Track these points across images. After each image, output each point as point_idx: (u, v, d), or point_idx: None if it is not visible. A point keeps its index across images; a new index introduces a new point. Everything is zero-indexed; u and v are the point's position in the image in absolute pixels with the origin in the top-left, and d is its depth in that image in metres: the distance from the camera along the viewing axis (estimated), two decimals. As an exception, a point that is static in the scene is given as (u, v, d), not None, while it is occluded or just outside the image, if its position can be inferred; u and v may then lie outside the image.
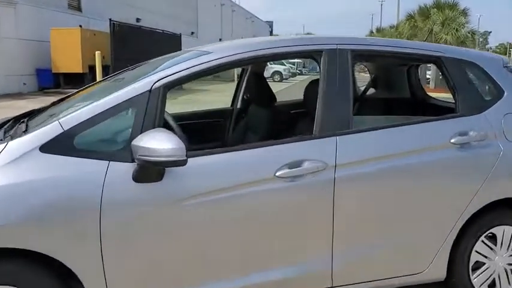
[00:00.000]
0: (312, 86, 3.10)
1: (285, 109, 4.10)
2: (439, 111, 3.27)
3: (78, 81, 17.05)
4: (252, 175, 2.47)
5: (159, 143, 2.17)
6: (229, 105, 4.28)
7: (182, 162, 2.19)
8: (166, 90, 2.46)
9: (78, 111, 2.35)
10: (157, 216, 2.34)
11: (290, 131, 3.30)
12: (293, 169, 2.50)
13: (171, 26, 26.13)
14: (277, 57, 2.77)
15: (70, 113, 2.36)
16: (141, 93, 2.40)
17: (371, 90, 4.54)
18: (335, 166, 2.58)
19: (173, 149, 2.16)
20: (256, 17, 64.64)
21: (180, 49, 22.45)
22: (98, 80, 16.57)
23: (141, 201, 2.31)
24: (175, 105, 14.91)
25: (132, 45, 17.90)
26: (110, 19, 17.61)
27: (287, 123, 3.52)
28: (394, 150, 2.71)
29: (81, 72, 18.05)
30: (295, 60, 40.46)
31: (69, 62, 17.92)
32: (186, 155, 2.19)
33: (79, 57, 18.02)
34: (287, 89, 22.07)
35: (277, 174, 2.48)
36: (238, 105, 4.19)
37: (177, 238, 2.39)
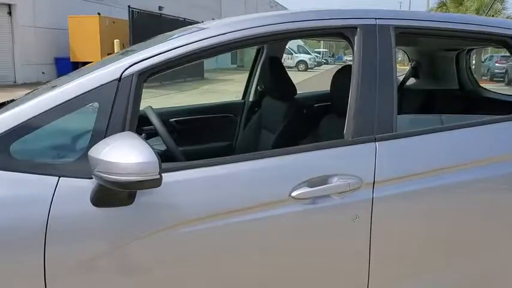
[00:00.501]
0: (342, 74, 2.39)
1: (307, 103, 3.41)
2: (501, 107, 2.53)
3: (96, 70, 16.59)
4: (258, 196, 1.80)
5: (122, 154, 1.51)
6: (241, 98, 3.60)
7: (153, 183, 1.53)
8: (143, 79, 1.80)
9: (17, 109, 1.71)
10: (126, 254, 1.69)
11: (313, 132, 2.61)
12: (315, 188, 1.83)
13: (194, 15, 25.50)
14: (294, 35, 2.06)
15: (7, 112, 1.72)
16: (106, 84, 1.75)
17: (411, 81, 3.80)
18: (373, 183, 1.90)
19: (140, 165, 1.50)
20: (281, 5, 63.63)
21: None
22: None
23: (104, 233, 1.67)
24: (195, 95, 14.37)
25: (152, 33, 17.06)
26: (129, 6, 17.09)
27: (310, 120, 2.84)
28: (458, 160, 2.00)
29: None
30: (321, 49, 39.53)
31: (88, 50, 17.45)
32: (160, 173, 1.53)
33: (98, 46, 17.55)
34: (310, 80, 21.24)
35: (293, 194, 1.81)
36: (251, 98, 3.51)
37: (155, 281, 1.74)
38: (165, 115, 3.27)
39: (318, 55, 36.97)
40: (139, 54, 1.83)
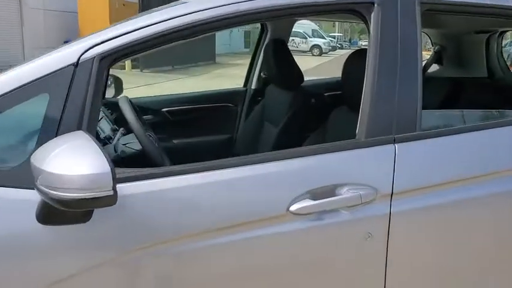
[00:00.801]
0: (356, 59, 2.02)
1: (316, 92, 3.04)
2: None
3: (107, 54, 16.32)
4: (248, 211, 1.46)
5: (67, 164, 1.17)
6: (242, 86, 3.24)
7: (105, 201, 1.19)
8: (107, 64, 1.45)
9: None
10: (82, 283, 1.36)
11: (321, 126, 2.25)
12: (319, 200, 1.47)
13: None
14: (296, 12, 1.66)
15: None
16: (59, 70, 1.40)
17: (433, 67, 3.40)
18: (391, 195, 1.54)
19: (87, 178, 1.16)
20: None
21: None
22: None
23: (53, 258, 1.34)
24: (205, 80, 14.01)
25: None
26: (139, -12, 16.74)
27: (317, 112, 2.48)
28: (495, 166, 1.63)
29: (109, 44, 17.31)
30: (336, 34, 38.85)
31: (98, 33, 17.16)
32: (114, 187, 1.18)
33: (107, 29, 17.25)
34: (324, 65, 20.73)
35: (292, 208, 1.46)
36: (253, 86, 3.15)
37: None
38: (156, 104, 2.94)
39: (332, 39, 36.26)
40: (102, 33, 1.48)
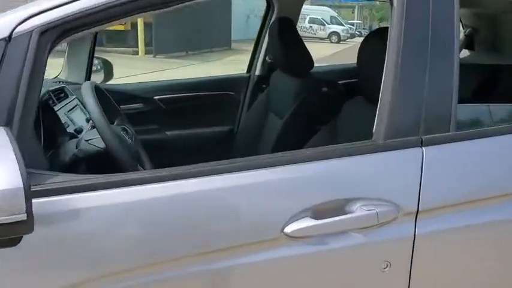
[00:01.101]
0: (375, 40, 1.64)
1: (327, 79, 2.67)
2: None
3: (121, 39, 16.03)
4: (232, 233, 1.13)
5: None
6: (246, 71, 2.89)
7: (16, 229, 0.87)
8: (51, 40, 1.12)
9: None
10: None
11: (332, 119, 1.90)
12: (323, 220, 1.14)
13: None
14: None
15: None
16: (-15, 47, 1.08)
17: (462, 53, 3.00)
18: (416, 213, 1.20)
19: None
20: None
21: (230, 8, 20.95)
22: (140, 37, 15.74)
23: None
24: (220, 67, 13.66)
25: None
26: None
27: (328, 103, 2.14)
28: None
29: (123, 29, 17.02)
30: (355, 21, 38.15)
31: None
32: (29, 209, 0.85)
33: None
34: (342, 52, 20.22)
35: (287, 230, 1.12)
36: (257, 72, 2.79)
37: None
38: (147, 91, 2.61)
39: (351, 27, 35.51)
40: (41, 3, 1.14)
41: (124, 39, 16.11)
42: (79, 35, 1.17)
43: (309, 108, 2.28)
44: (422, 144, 1.22)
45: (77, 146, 1.47)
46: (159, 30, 15.05)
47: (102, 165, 1.37)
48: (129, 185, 1.08)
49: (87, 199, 1.05)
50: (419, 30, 1.24)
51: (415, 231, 1.20)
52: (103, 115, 1.36)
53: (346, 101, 1.85)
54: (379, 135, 1.23)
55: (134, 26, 15.63)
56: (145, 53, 15.16)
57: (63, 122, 1.78)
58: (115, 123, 1.73)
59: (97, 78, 2.66)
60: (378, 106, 1.25)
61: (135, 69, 10.71)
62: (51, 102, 1.88)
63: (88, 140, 1.45)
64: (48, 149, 1.53)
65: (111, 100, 1.68)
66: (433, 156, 1.22)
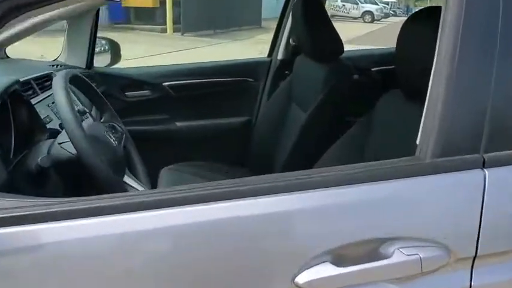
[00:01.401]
0: (422, 21, 1.31)
1: (360, 66, 2.35)
2: None
3: (149, 16, 15.87)
4: (224, 284, 0.85)
5: None
6: (267, 56, 2.59)
7: None
8: (8, 17, 0.85)
9: None
10: None
11: (364, 116, 1.58)
12: (348, 267, 0.85)
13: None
14: None
15: None
16: None
17: None
18: (474, 258, 0.90)
19: None
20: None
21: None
22: (168, 15, 15.52)
23: None
24: (247, 45, 13.35)
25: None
26: None
27: (359, 94, 1.83)
28: None
29: (151, 6, 16.84)
30: (390, 0, 37.05)
31: (140, -6, 16.72)
32: None
33: (151, -11, 16.77)
34: (372, 34, 19.56)
35: (299, 280, 0.84)
36: (280, 56, 2.49)
37: None
38: (156, 76, 2.34)
39: (385, 6, 34.52)
40: None
41: (152, 17, 15.99)
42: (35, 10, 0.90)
43: (338, 99, 1.97)
44: (484, 165, 0.91)
45: (49, 150, 1.21)
46: (187, 7, 14.80)
47: (76, 175, 1.11)
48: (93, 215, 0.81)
49: (33, 233, 0.79)
50: (485, 13, 0.92)
51: (471, 283, 0.90)
52: (73, 113, 1.09)
53: (381, 97, 1.53)
54: (425, 151, 0.92)
55: (163, 3, 15.42)
56: (174, 31, 14.94)
57: (44, 116, 1.53)
58: (102, 120, 1.47)
59: (103, 60, 2.42)
60: (424, 110, 0.94)
61: (164, 47, 10.53)
62: (30, 92, 1.61)
63: (61, 143, 1.18)
64: (21, 151, 1.28)
65: (98, 93, 1.41)
66: (499, 182, 0.91)
